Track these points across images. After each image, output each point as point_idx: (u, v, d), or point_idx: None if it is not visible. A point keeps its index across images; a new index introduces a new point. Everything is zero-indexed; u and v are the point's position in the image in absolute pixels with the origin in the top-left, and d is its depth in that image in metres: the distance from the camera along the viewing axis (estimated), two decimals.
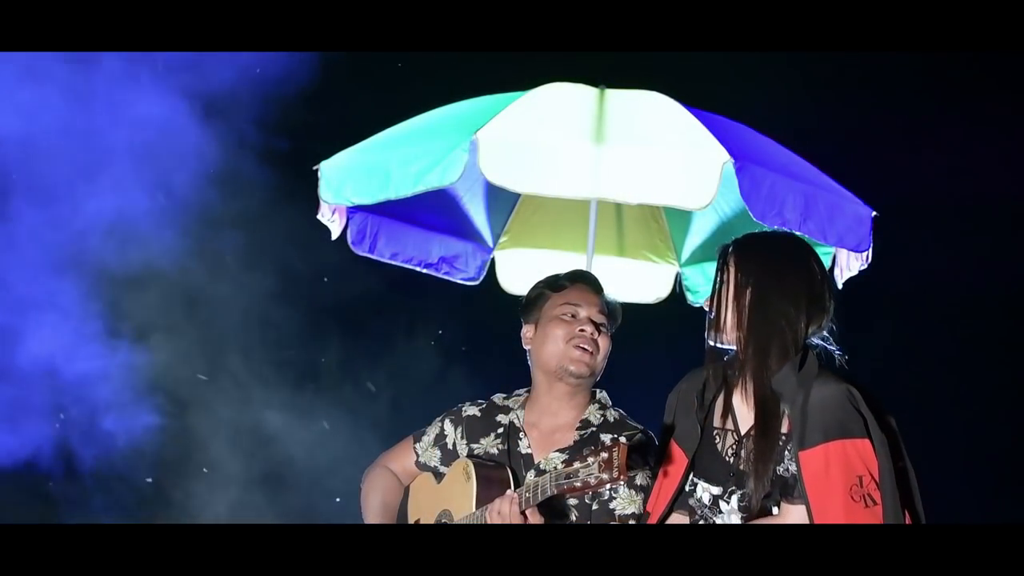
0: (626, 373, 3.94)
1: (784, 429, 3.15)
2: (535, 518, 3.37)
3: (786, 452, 3.14)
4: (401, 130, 4.96)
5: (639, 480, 3.56)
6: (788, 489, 3.15)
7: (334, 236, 5.14)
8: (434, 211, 5.41)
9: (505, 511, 3.39)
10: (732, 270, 3.21)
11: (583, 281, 3.86)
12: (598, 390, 3.83)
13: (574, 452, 3.65)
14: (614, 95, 4.79)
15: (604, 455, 3.21)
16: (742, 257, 3.22)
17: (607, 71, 4.99)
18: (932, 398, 7.04)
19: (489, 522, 3.43)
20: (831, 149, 5.59)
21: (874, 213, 4.92)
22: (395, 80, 6.78)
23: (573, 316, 3.75)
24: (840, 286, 5.06)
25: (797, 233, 3.30)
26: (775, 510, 3.19)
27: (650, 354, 5.90)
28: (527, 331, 3.83)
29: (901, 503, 3.08)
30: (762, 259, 3.21)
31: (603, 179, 4.50)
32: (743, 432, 3.24)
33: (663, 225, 5.70)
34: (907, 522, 3.11)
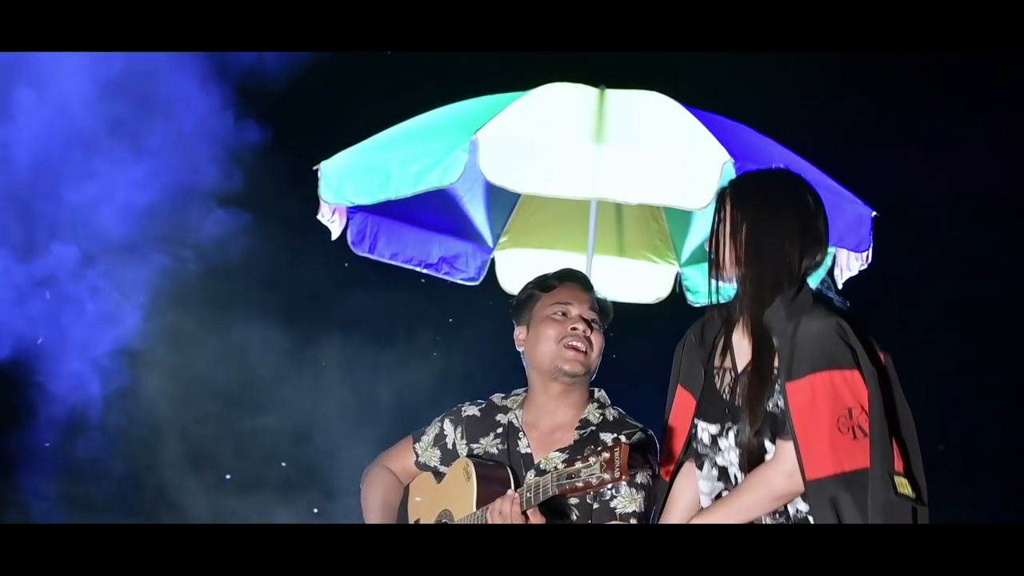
0: (626, 373, 3.94)
1: (777, 364, 3.13)
2: (536, 518, 3.37)
3: (776, 387, 3.12)
4: (401, 130, 4.96)
5: (640, 479, 3.57)
6: (779, 426, 3.11)
7: (334, 236, 5.14)
8: (434, 211, 5.41)
9: (506, 511, 3.39)
10: (728, 208, 3.24)
11: (573, 280, 3.86)
12: (596, 389, 3.83)
13: (574, 451, 3.65)
14: (614, 95, 4.79)
15: (606, 455, 3.21)
16: (738, 194, 3.25)
17: (607, 71, 4.99)
18: (932, 397, 7.04)
19: (490, 522, 3.42)
20: (831, 149, 5.59)
21: (874, 213, 4.93)
22: (395, 80, 6.78)
23: (564, 315, 3.75)
24: (840, 286, 5.07)
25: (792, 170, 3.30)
26: (769, 446, 3.16)
27: (650, 354, 5.90)
28: (519, 333, 3.83)
29: (895, 442, 3.01)
30: (757, 195, 3.24)
31: (603, 179, 4.51)
32: (740, 369, 3.22)
33: (663, 225, 5.70)
34: (897, 462, 3.02)
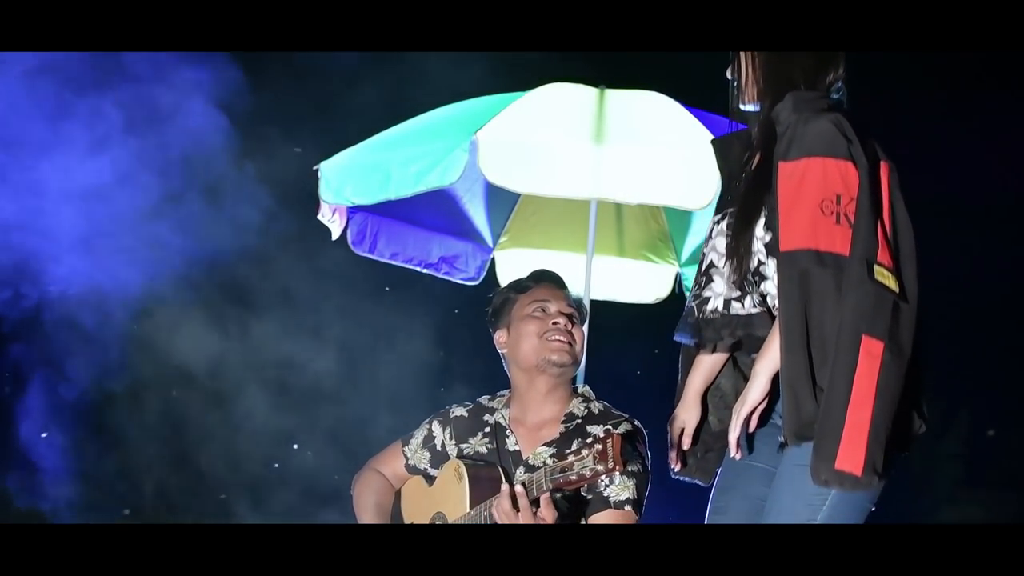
0: (626, 373, 3.94)
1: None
2: (549, 510, 3.36)
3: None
4: (401, 130, 4.97)
5: (631, 467, 3.57)
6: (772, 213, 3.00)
7: (334, 236, 5.15)
8: (434, 211, 5.42)
9: (509, 507, 3.39)
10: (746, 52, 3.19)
11: (547, 279, 3.89)
12: (579, 385, 3.86)
13: (561, 444, 3.67)
14: (614, 95, 4.80)
15: (598, 447, 3.22)
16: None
17: (607, 71, 5.00)
18: (933, 397, 7.04)
19: (498, 521, 3.43)
20: None
21: None
22: (395, 80, 6.78)
23: (543, 311, 3.78)
24: None
25: None
26: (760, 234, 3.04)
27: (650, 354, 5.91)
28: (500, 336, 3.85)
29: (884, 238, 2.89)
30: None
31: (603, 179, 4.51)
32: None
33: (663, 225, 5.71)
34: (883, 255, 2.88)
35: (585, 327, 3.88)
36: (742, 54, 3.18)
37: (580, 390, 3.82)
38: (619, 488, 3.56)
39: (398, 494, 3.92)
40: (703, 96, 4.95)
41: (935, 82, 6.96)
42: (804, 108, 3.02)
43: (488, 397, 3.91)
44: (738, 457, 3.10)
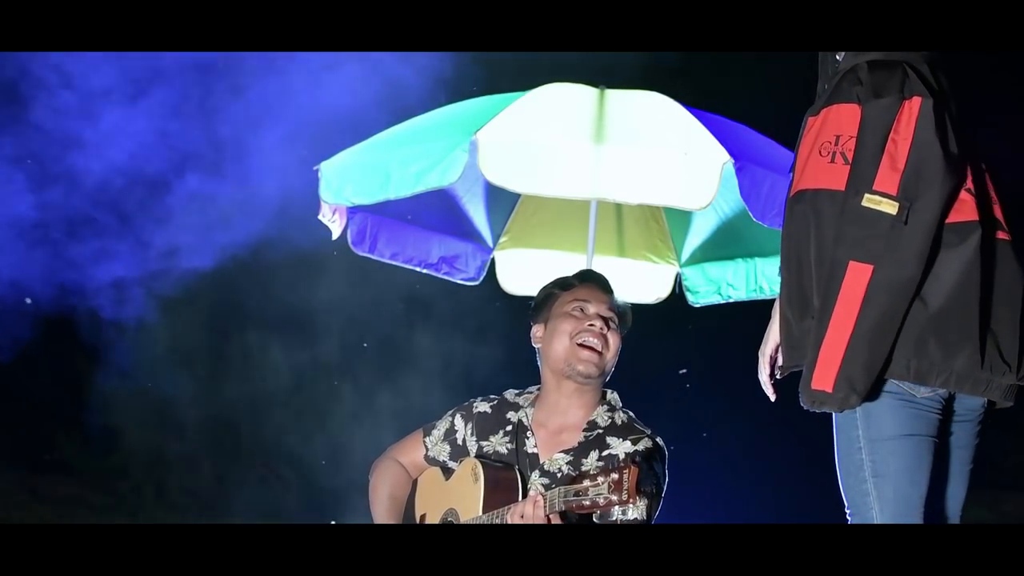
0: (626, 373, 3.93)
1: None
2: (557, 522, 3.37)
3: None
4: (401, 130, 4.96)
5: (645, 487, 3.54)
6: None
7: (334, 236, 5.14)
8: (434, 211, 5.41)
9: (529, 513, 3.39)
10: None
11: (592, 280, 3.87)
12: (608, 391, 3.82)
13: (579, 453, 3.65)
14: (614, 95, 4.80)
15: (614, 476, 3.20)
16: None
17: (607, 71, 5.00)
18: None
19: (509, 523, 3.43)
20: None
21: None
22: (395, 80, 6.79)
23: (582, 311, 3.75)
24: None
25: None
26: None
27: (650, 355, 5.90)
28: (536, 330, 3.82)
29: (892, 167, 2.91)
30: None
31: (603, 179, 4.51)
32: None
33: (663, 225, 5.71)
34: (885, 184, 2.90)
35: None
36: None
37: (608, 396, 3.79)
38: (630, 507, 3.54)
39: (415, 482, 3.91)
40: (703, 96, 4.96)
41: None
42: (849, 62, 3.07)
43: (516, 392, 3.88)
44: (773, 398, 3.14)
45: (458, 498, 3.71)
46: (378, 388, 7.43)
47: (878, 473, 2.95)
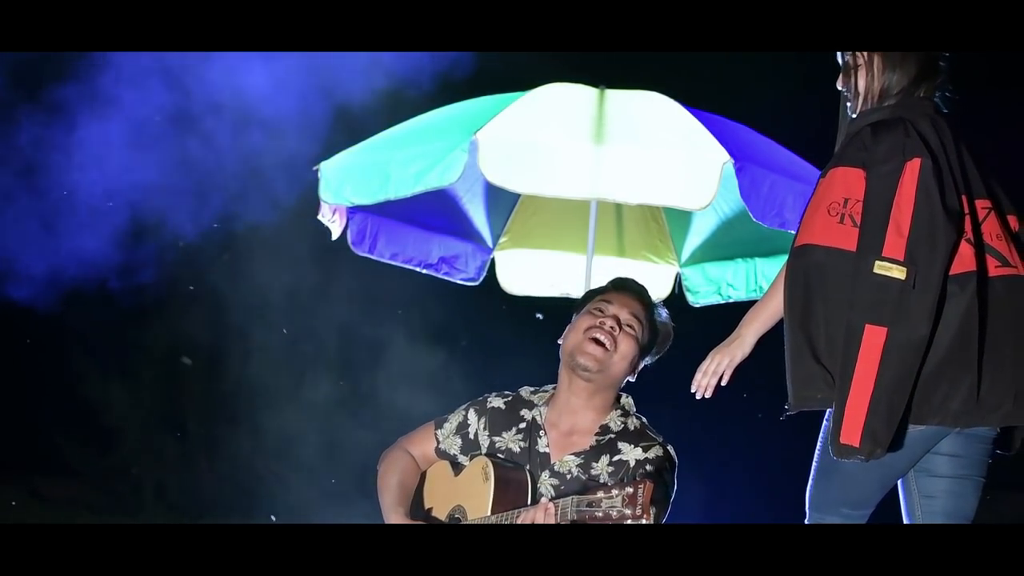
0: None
1: None
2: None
3: None
4: (401, 130, 4.96)
5: (655, 495, 3.53)
6: None
7: (334, 236, 5.14)
8: (434, 211, 5.41)
9: (540, 520, 3.39)
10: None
11: (625, 287, 3.84)
12: (623, 395, 3.80)
13: (590, 457, 3.64)
14: (614, 95, 4.79)
15: (629, 490, 3.19)
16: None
17: (607, 71, 5.00)
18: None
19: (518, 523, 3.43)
20: (831, 149, 5.58)
21: None
22: (395, 80, 6.79)
23: (601, 311, 3.74)
24: None
25: None
26: None
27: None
28: (567, 329, 3.82)
29: (897, 231, 3.12)
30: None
31: (603, 179, 4.51)
32: None
33: (663, 225, 5.70)
34: (892, 250, 3.12)
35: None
36: (859, 66, 3.37)
37: (622, 401, 3.78)
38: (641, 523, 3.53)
39: (423, 475, 3.90)
40: (703, 96, 4.96)
41: None
42: (870, 116, 3.29)
43: (531, 390, 3.87)
44: (700, 395, 3.41)
45: (466, 495, 3.70)
46: (379, 388, 7.43)
47: (821, 475, 3.26)
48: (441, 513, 3.77)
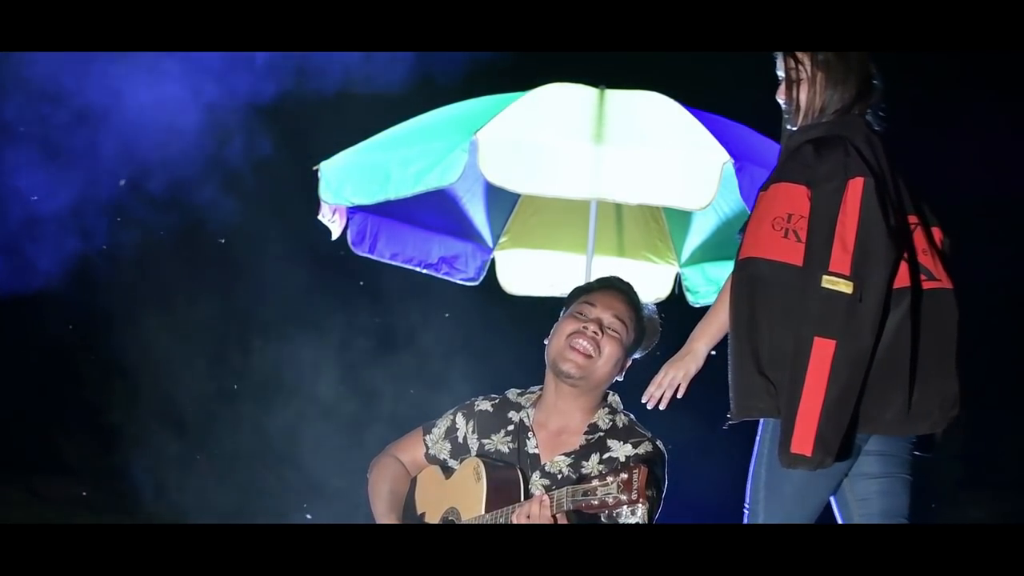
0: (626, 373, 3.91)
1: None
2: (563, 522, 3.37)
3: None
4: (401, 130, 4.96)
5: (648, 491, 3.54)
6: None
7: (334, 236, 5.14)
8: (434, 211, 5.41)
9: (535, 513, 3.38)
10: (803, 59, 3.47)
11: (610, 286, 3.84)
12: (610, 393, 3.80)
13: (580, 456, 3.65)
14: (614, 95, 4.79)
15: (623, 475, 3.19)
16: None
17: (607, 71, 4.99)
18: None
19: (515, 522, 3.42)
20: None
21: None
22: (395, 80, 6.79)
23: (584, 314, 3.73)
24: None
25: None
26: None
27: (649, 355, 5.88)
28: (553, 329, 3.81)
29: (843, 248, 3.22)
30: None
31: (603, 179, 4.50)
32: None
33: (663, 225, 5.70)
34: (839, 265, 3.21)
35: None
36: (802, 80, 3.46)
37: (609, 399, 3.78)
38: (629, 511, 3.53)
39: (413, 481, 3.90)
40: (703, 96, 4.95)
41: (935, 82, 6.97)
42: (808, 133, 3.38)
43: (518, 392, 3.87)
44: (651, 406, 3.48)
45: (459, 497, 3.70)
46: (382, 387, 7.43)
47: (772, 487, 3.32)
48: (435, 516, 3.77)
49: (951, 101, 7.05)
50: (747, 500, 3.35)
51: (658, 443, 3.69)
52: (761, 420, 3.34)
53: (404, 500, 3.87)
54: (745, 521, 3.33)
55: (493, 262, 5.72)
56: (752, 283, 3.31)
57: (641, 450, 3.63)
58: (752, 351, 3.28)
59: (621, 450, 3.66)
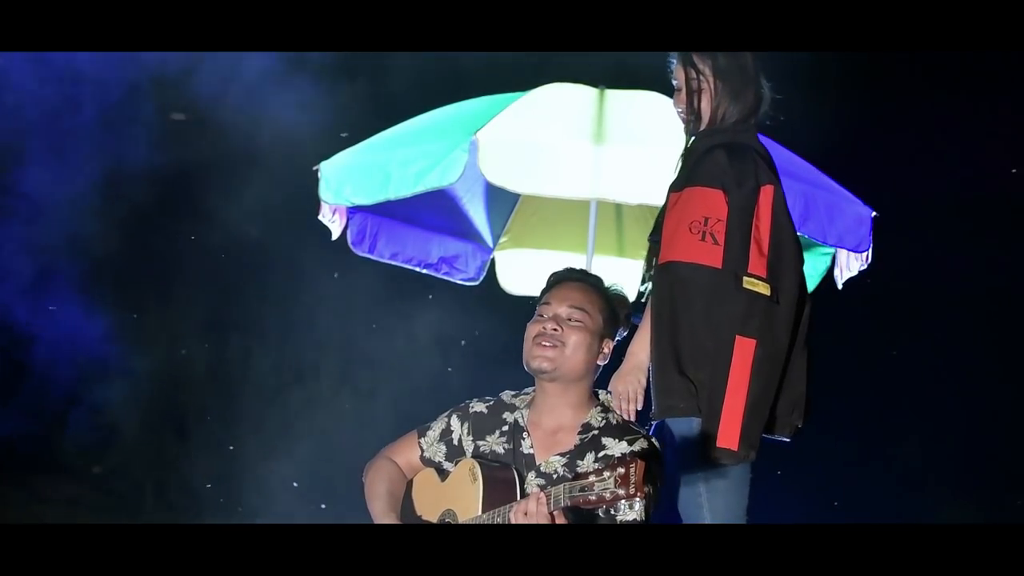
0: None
1: None
2: (561, 519, 3.36)
3: None
4: (401, 131, 4.96)
5: (644, 488, 3.54)
6: None
7: (334, 236, 5.14)
8: (434, 211, 5.41)
9: (532, 510, 3.38)
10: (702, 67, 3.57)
11: (561, 280, 3.85)
12: (601, 391, 3.81)
13: (575, 456, 3.65)
14: (614, 95, 4.80)
15: (621, 470, 3.19)
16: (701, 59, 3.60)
17: (607, 71, 5.00)
18: (931, 397, 7.04)
19: (513, 522, 3.42)
20: (831, 149, 5.59)
21: (874, 213, 4.93)
22: (395, 80, 6.79)
23: (542, 315, 3.76)
24: (840, 286, 5.07)
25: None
26: None
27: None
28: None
29: (759, 251, 3.36)
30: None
31: (603, 179, 4.51)
32: None
33: None
34: (756, 267, 3.35)
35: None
36: (703, 90, 3.57)
37: (601, 397, 3.79)
38: (626, 508, 3.53)
39: (409, 484, 3.90)
40: None
41: (935, 82, 6.97)
42: (716, 138, 3.50)
43: (512, 393, 3.88)
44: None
45: (456, 498, 3.70)
46: (379, 389, 7.43)
47: (713, 489, 3.48)
48: (432, 519, 3.77)
49: (918, 101, 7.05)
50: (679, 502, 3.50)
51: (653, 440, 3.69)
52: (674, 425, 3.47)
53: (401, 501, 3.87)
54: (685, 521, 3.48)
55: (493, 262, 5.72)
56: (672, 286, 3.42)
57: (637, 446, 3.63)
58: (673, 352, 3.42)
59: (616, 447, 3.66)
